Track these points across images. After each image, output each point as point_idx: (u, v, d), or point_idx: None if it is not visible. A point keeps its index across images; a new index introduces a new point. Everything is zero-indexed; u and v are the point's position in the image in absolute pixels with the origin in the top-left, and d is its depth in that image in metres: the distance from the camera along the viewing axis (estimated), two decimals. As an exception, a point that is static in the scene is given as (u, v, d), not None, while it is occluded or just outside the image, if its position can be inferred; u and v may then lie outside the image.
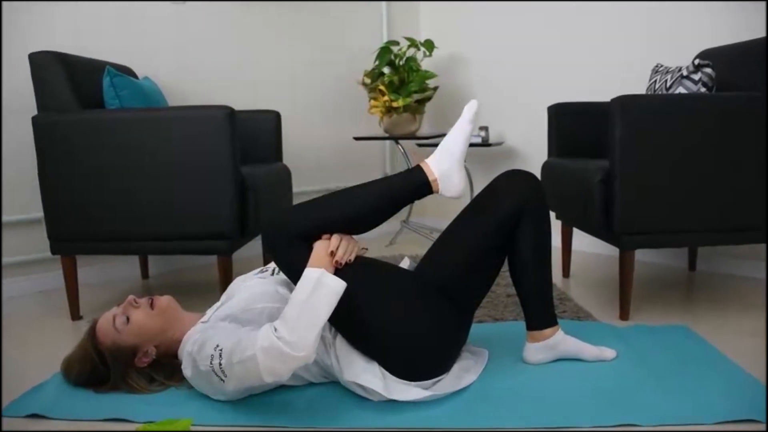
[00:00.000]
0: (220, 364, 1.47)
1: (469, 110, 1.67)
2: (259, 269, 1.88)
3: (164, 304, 1.72)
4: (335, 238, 1.61)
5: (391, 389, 1.57)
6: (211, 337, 1.54)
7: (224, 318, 1.65)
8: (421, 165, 1.66)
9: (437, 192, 1.66)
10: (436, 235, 2.28)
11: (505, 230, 1.72)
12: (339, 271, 1.58)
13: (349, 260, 1.61)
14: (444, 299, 1.68)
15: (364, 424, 1.51)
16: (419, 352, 1.60)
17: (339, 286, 1.48)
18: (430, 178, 1.64)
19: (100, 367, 1.68)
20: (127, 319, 1.67)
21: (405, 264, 1.94)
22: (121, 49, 3.08)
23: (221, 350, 1.48)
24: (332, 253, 1.58)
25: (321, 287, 1.46)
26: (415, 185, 1.65)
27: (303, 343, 1.40)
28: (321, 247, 1.59)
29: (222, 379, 1.50)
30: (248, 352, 1.42)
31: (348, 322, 1.59)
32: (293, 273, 1.61)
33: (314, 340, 1.43)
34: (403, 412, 1.55)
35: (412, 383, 1.60)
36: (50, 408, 1.61)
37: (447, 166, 1.63)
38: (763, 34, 2.58)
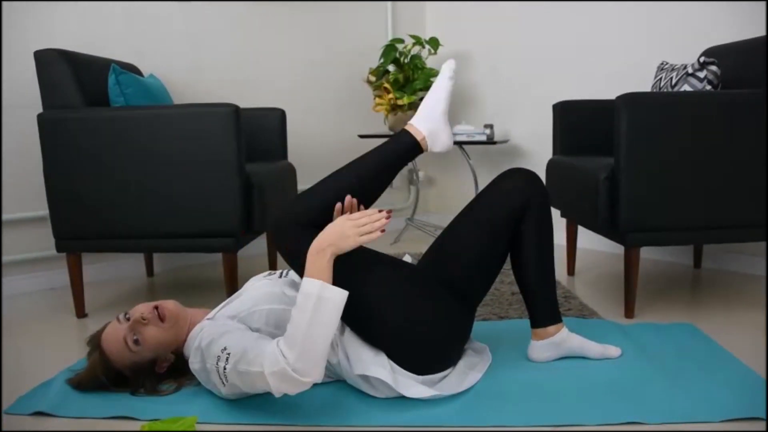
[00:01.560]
0: (225, 368, 1.47)
1: (448, 67, 1.70)
2: (267, 272, 1.88)
3: (172, 313, 1.68)
4: (358, 214, 1.51)
5: (399, 383, 1.57)
6: (222, 335, 1.54)
7: (231, 317, 1.65)
8: (407, 127, 1.70)
9: (426, 150, 1.70)
10: (438, 232, 2.26)
11: (507, 228, 1.72)
12: (348, 265, 1.55)
13: (382, 231, 1.50)
14: (447, 295, 1.68)
15: (369, 422, 1.51)
16: (425, 346, 1.60)
17: (340, 297, 1.42)
18: (418, 138, 1.68)
19: (113, 387, 1.67)
20: (136, 340, 1.63)
21: (407, 261, 1.95)
22: (125, 48, 3.09)
23: (228, 354, 1.47)
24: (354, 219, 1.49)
25: (323, 303, 1.39)
26: (405, 148, 1.69)
27: (311, 370, 1.39)
28: (324, 236, 1.48)
29: (223, 383, 1.50)
30: (255, 368, 1.40)
31: (356, 315, 1.59)
32: (300, 264, 1.58)
33: (322, 363, 1.41)
34: (409, 410, 1.55)
35: (419, 378, 1.60)
36: (56, 406, 1.62)
37: (432, 124, 1.67)
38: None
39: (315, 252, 1.46)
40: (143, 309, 1.67)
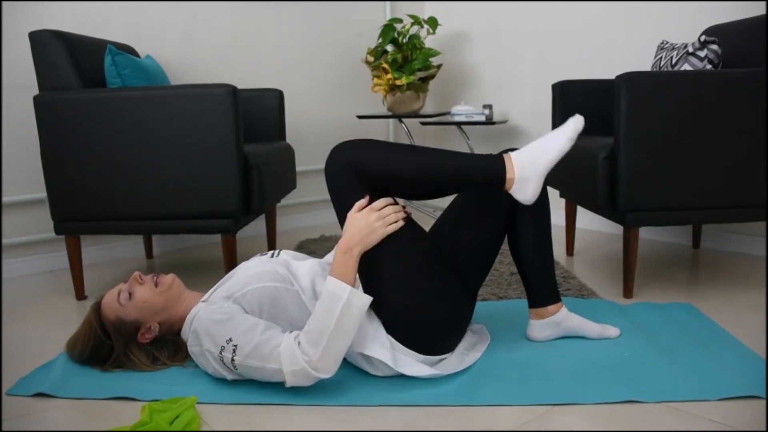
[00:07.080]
0: (233, 360, 1.50)
1: (573, 128, 1.58)
2: (259, 254, 1.88)
3: (168, 281, 1.73)
4: (382, 201, 1.56)
5: (399, 362, 1.57)
6: (222, 323, 1.54)
7: (225, 298, 1.65)
8: (505, 158, 1.59)
9: (508, 190, 1.60)
10: (438, 214, 2.26)
11: (505, 209, 1.72)
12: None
13: (404, 219, 1.57)
14: (450, 276, 1.68)
15: (369, 401, 1.52)
16: (428, 326, 1.59)
17: (366, 302, 1.50)
18: (508, 176, 1.58)
19: (103, 342, 1.69)
20: (130, 294, 1.69)
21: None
22: (121, 29, 3.06)
23: (235, 346, 1.49)
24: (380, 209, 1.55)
25: (350, 309, 1.47)
26: (492, 174, 1.58)
27: (331, 368, 1.48)
28: (355, 221, 1.52)
29: (230, 369, 1.53)
30: (271, 365, 1.47)
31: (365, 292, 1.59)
32: (338, 204, 1.59)
33: (340, 361, 1.49)
34: (409, 389, 1.56)
35: (420, 357, 1.60)
36: (56, 387, 1.62)
37: (529, 172, 1.57)
38: (770, 9, 2.55)
39: (343, 251, 1.53)
40: (146, 275, 1.75)
